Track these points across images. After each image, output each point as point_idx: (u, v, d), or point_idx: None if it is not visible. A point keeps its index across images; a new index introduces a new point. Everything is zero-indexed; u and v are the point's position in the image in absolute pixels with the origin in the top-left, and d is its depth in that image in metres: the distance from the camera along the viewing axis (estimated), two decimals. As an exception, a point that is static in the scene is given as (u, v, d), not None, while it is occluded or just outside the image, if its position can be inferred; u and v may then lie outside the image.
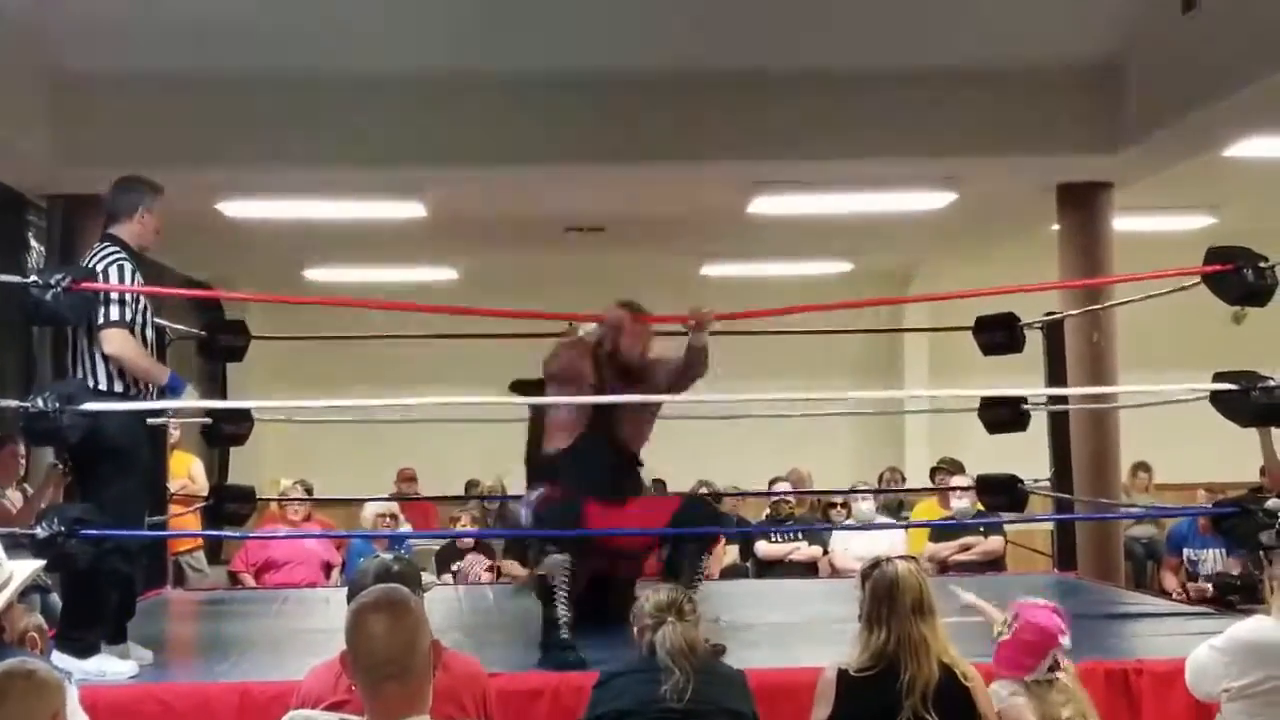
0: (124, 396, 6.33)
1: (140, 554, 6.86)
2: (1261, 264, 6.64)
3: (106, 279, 6.30)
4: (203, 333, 9.26)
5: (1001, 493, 9.42)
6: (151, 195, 6.63)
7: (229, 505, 8.77)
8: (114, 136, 9.55)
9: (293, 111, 9.68)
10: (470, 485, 13.70)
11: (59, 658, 5.96)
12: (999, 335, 9.09)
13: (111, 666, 6.16)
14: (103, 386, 6.30)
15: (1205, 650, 4.57)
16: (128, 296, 6.33)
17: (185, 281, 13.07)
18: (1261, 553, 8.73)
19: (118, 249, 6.46)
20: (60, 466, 7.94)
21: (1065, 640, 4.68)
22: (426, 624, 3.41)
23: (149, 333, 6.54)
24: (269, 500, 11.23)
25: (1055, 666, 4.72)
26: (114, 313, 6.28)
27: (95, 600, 6.30)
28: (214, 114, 9.61)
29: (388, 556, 5.36)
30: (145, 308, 6.49)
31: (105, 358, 6.31)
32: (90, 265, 6.39)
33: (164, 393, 6.53)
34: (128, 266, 6.38)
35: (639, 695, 4.68)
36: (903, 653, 4.58)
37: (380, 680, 3.28)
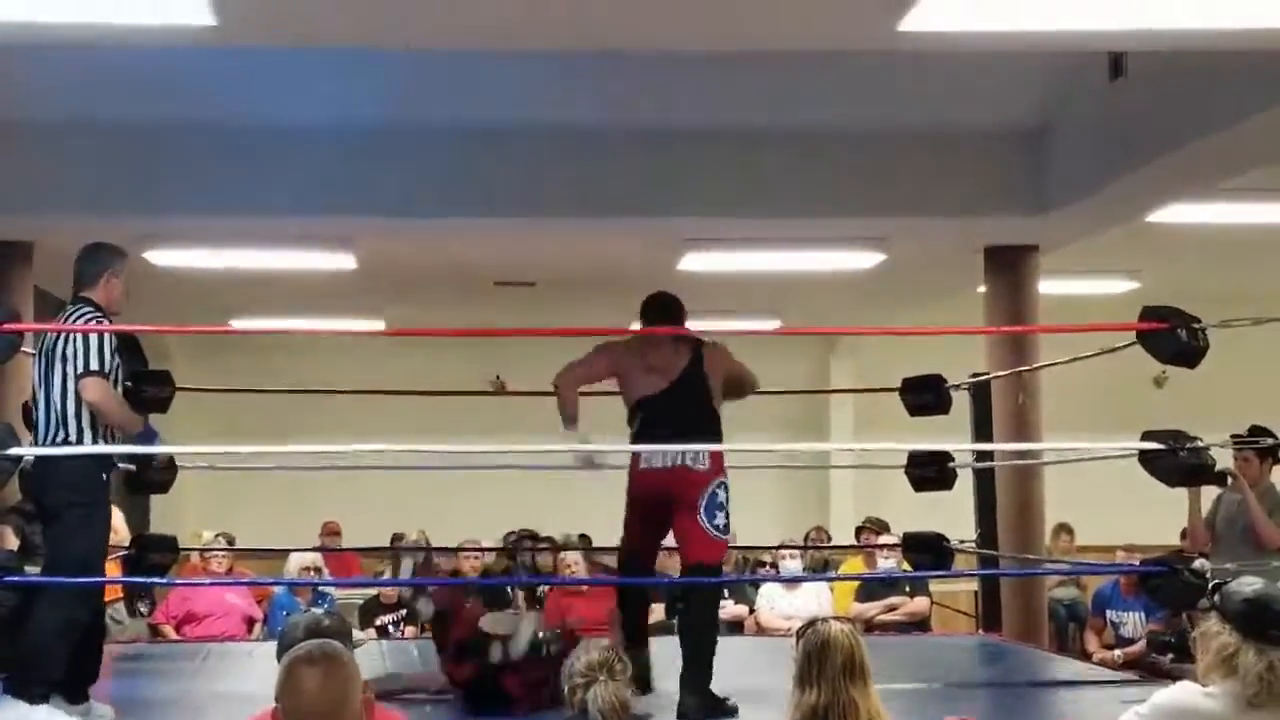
0: None
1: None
2: (1194, 324, 6.71)
3: (84, 335, 6.38)
4: (128, 383, 9.17)
5: (927, 551, 9.43)
6: (119, 260, 6.76)
7: (151, 555, 8.64)
8: (40, 183, 9.48)
9: (221, 161, 9.61)
10: (395, 538, 13.62)
11: (9, 703, 5.92)
12: (926, 396, 9.09)
13: None
14: (72, 438, 6.38)
15: (1131, 718, 4.56)
16: (107, 352, 6.42)
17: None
18: (1185, 615, 8.81)
19: (92, 309, 6.57)
20: None
21: None
22: (359, 679, 3.37)
23: (118, 390, 6.62)
24: (191, 551, 11.09)
25: None
26: (94, 362, 6.37)
27: (40, 650, 6.26)
28: (141, 162, 9.54)
29: (318, 611, 5.32)
30: (119, 365, 6.58)
31: (78, 411, 6.37)
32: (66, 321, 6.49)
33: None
34: (105, 324, 6.49)
35: (570, 753, 4.66)
36: (832, 715, 4.54)
37: (312, 735, 3.24)
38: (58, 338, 6.45)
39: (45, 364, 6.47)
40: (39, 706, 6.02)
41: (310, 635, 4.27)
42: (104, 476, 6.52)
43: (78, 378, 6.37)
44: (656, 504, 7.26)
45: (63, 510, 6.41)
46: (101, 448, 6.46)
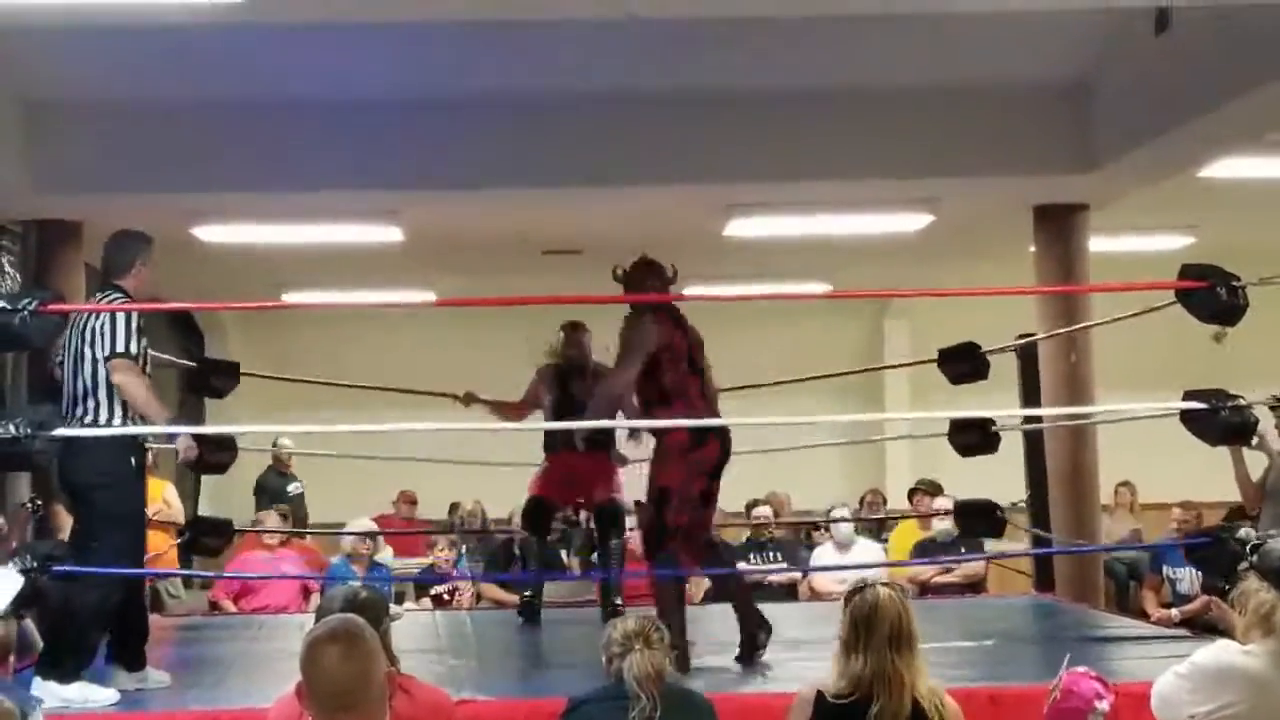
0: None
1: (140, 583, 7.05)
2: (1234, 283, 6.62)
3: (113, 317, 6.43)
4: (193, 364, 9.23)
5: (980, 519, 9.38)
6: (146, 248, 6.78)
7: (205, 538, 8.71)
8: (88, 162, 9.55)
9: (267, 136, 9.64)
10: (452, 508, 13.71)
11: (40, 685, 6.00)
12: (963, 365, 9.05)
13: (94, 694, 6.20)
14: (102, 419, 6.42)
15: (1170, 677, 4.51)
16: (134, 334, 6.47)
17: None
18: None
19: (121, 295, 6.60)
20: (29, 505, 7.99)
21: (1102, 705, 4.47)
22: (380, 655, 3.38)
23: (148, 371, 6.64)
24: (245, 531, 11.15)
25: None
26: (120, 344, 6.42)
27: (74, 630, 6.34)
28: (188, 140, 9.57)
29: (356, 584, 5.36)
30: (146, 350, 6.63)
31: (110, 392, 6.42)
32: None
33: None
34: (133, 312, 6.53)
35: (606, 723, 4.67)
36: (877, 684, 4.50)
37: (333, 710, 3.26)
38: (87, 320, 6.49)
39: (77, 343, 6.50)
40: (71, 684, 6.13)
41: (346, 608, 4.29)
42: (132, 460, 6.54)
43: (105, 359, 6.41)
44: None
45: (90, 492, 6.47)
46: (135, 429, 6.48)
